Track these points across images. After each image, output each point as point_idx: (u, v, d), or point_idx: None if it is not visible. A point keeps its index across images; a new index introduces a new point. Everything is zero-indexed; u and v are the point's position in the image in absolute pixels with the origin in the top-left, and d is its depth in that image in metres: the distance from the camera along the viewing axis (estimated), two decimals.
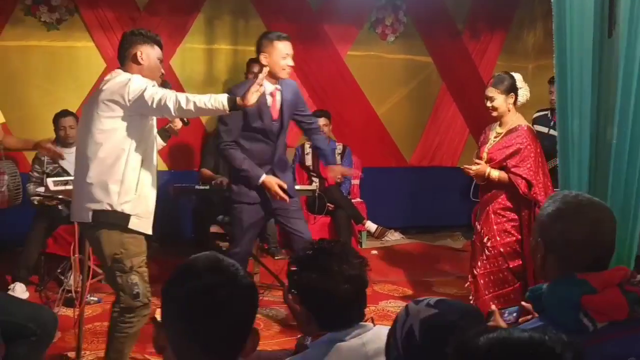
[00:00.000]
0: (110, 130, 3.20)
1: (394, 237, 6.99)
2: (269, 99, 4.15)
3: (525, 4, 7.59)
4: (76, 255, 4.47)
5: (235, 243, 4.35)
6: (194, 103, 3.13)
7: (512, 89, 4.11)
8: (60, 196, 4.40)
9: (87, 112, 3.31)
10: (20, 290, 4.79)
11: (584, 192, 2.47)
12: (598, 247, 1.81)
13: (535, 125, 5.86)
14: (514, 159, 4.02)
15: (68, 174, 4.92)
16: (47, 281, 4.93)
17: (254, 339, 1.46)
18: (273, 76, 4.09)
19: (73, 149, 5.10)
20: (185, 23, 6.51)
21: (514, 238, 4.09)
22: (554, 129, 5.56)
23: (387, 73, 7.22)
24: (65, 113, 5.28)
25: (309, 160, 6.31)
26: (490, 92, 4.11)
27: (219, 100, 3.16)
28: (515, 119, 4.14)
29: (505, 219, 4.10)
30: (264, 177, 4.14)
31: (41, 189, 4.88)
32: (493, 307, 2.15)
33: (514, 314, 2.36)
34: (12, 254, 5.32)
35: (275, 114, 4.21)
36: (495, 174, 4.05)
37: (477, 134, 7.50)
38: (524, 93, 4.15)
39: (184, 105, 3.12)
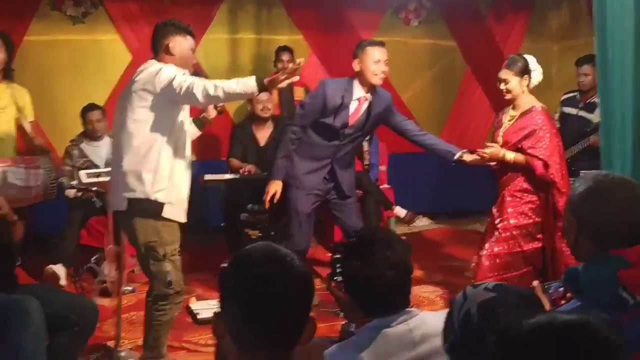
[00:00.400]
0: (143, 120, 3.25)
1: (422, 223, 6.98)
2: (353, 104, 4.14)
3: None
4: (110, 246, 4.54)
5: (292, 238, 4.28)
6: (222, 89, 3.14)
7: (526, 71, 4.05)
8: (94, 188, 4.46)
9: (121, 103, 3.37)
10: (62, 271, 4.84)
11: (627, 173, 2.47)
12: (631, 226, 1.80)
13: (563, 107, 5.82)
14: (530, 140, 3.97)
15: (97, 167, 4.99)
16: (81, 272, 5.00)
17: (310, 328, 1.48)
18: (365, 83, 4.10)
19: (100, 142, 5.23)
20: (209, 13, 6.52)
21: (531, 220, 4.05)
22: (584, 110, 5.54)
23: (412, 58, 7.17)
24: (92, 107, 5.33)
25: None
26: (505, 74, 4.05)
27: (247, 84, 3.15)
28: (529, 101, 4.08)
29: (522, 201, 4.05)
30: (273, 181, 4.16)
31: (74, 182, 4.95)
32: (535, 282, 2.14)
33: (561, 289, 2.32)
34: (48, 246, 5.40)
35: (352, 120, 4.18)
36: (510, 156, 4.00)
37: None
38: (537, 75, 4.10)
39: (211, 92, 3.13)
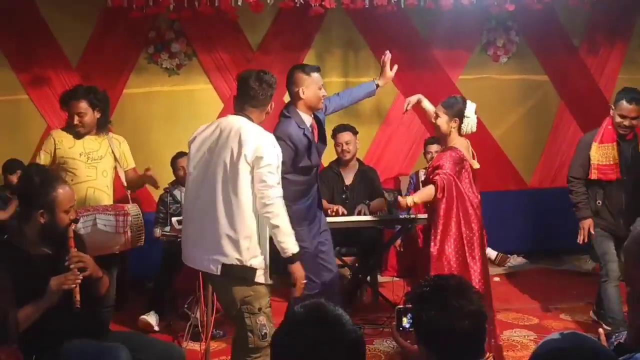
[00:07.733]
0: (251, 188, 3.29)
1: (516, 262, 6.78)
2: (311, 134, 4.12)
3: None
4: (202, 291, 4.64)
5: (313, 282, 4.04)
6: (279, 228, 3.27)
7: (459, 115, 4.13)
8: None
9: (226, 162, 3.32)
10: (154, 318, 5.00)
11: None
12: None
13: None
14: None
15: None
16: (175, 317, 5.12)
17: None
18: (310, 108, 4.09)
19: None
20: (297, 59, 6.64)
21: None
22: None
23: (502, 95, 7.06)
24: (181, 154, 5.49)
25: None
26: (438, 109, 4.18)
27: (290, 246, 3.31)
28: (455, 142, 4.14)
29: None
30: None
31: (167, 229, 5.11)
32: (600, 330, 2.12)
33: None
34: (144, 289, 5.60)
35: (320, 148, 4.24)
36: (410, 200, 4.06)
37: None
38: (469, 123, 4.15)
39: (274, 220, 3.25)
